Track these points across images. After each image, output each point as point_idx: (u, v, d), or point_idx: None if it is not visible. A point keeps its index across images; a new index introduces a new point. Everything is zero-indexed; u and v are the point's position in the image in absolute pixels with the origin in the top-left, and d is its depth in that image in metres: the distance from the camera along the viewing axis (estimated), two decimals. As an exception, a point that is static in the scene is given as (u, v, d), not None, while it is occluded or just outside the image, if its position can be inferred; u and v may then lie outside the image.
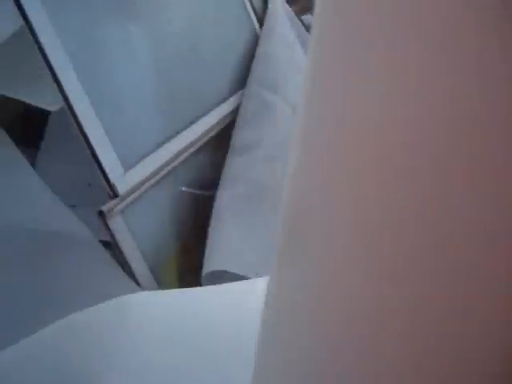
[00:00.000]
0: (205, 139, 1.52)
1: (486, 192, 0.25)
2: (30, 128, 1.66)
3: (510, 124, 0.24)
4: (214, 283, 1.13)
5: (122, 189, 1.21)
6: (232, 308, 0.81)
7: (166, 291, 0.88)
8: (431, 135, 0.26)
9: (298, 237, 0.35)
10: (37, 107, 1.41)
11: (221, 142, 1.58)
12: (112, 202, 1.20)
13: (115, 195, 1.20)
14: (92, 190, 1.42)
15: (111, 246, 1.26)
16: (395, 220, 0.28)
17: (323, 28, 0.31)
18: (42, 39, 1.14)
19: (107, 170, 1.20)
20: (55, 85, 1.17)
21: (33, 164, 1.46)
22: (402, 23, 0.25)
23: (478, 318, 0.28)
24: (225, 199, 1.39)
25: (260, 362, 0.41)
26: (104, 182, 1.20)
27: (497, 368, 0.29)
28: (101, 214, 1.18)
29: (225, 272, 1.21)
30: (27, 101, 1.31)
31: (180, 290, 0.99)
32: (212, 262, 1.24)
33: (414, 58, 0.25)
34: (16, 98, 1.29)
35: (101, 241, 1.30)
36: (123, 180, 1.22)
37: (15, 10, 1.12)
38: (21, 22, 1.13)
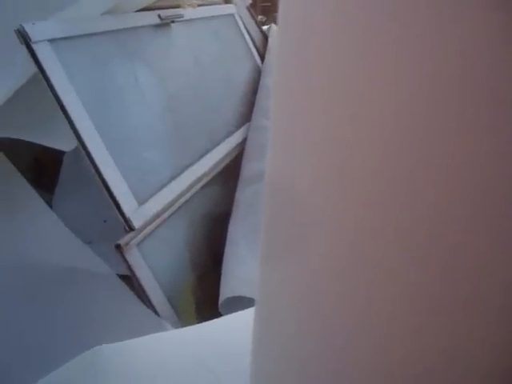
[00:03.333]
0: (215, 171, 1.56)
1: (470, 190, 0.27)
2: (45, 172, 1.72)
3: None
4: (231, 310, 1.15)
5: (137, 222, 1.24)
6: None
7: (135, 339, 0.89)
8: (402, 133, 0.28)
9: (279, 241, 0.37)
10: (51, 150, 1.45)
11: (230, 173, 1.62)
12: (128, 236, 1.23)
13: (131, 229, 1.24)
14: (107, 226, 1.46)
15: (129, 279, 1.28)
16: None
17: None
18: (55, 84, 1.20)
19: (122, 205, 1.23)
20: (69, 126, 1.22)
21: (49, 205, 1.50)
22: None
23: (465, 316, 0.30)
24: (238, 228, 1.42)
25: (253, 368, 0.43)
26: (119, 216, 1.23)
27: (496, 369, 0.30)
28: (118, 247, 1.20)
29: (242, 298, 1.23)
30: (43, 143, 1.35)
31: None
32: (228, 288, 1.26)
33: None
34: (32, 141, 1.34)
35: (118, 275, 1.33)
36: (138, 214, 1.26)
37: (29, 57, 1.18)
38: (34, 68, 1.19)
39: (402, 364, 0.32)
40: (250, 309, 0.96)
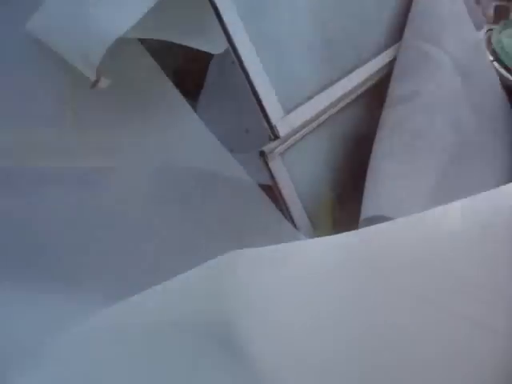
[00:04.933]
0: (362, 89, 1.50)
1: None
2: (189, 81, 1.73)
3: None
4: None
5: (282, 130, 1.22)
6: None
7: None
8: None
9: None
10: (196, 58, 1.45)
11: (377, 93, 1.55)
12: (272, 144, 1.21)
13: (276, 137, 1.21)
14: (249, 136, 1.45)
15: (269, 189, 1.27)
16: None
17: None
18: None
19: (269, 112, 1.21)
20: (220, 29, 1.19)
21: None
22: None
23: None
24: (383, 148, 1.36)
25: None
26: (265, 123, 1.21)
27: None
28: (262, 154, 1.19)
29: (383, 217, 1.18)
30: (193, 46, 1.34)
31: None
32: (370, 207, 1.22)
33: None
34: (182, 43, 1.33)
35: (259, 184, 1.32)
36: (284, 122, 1.23)
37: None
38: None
39: None
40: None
